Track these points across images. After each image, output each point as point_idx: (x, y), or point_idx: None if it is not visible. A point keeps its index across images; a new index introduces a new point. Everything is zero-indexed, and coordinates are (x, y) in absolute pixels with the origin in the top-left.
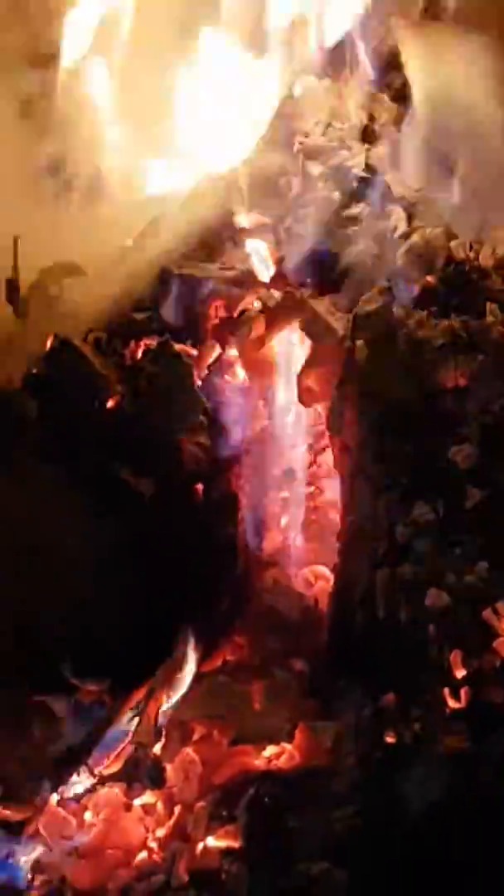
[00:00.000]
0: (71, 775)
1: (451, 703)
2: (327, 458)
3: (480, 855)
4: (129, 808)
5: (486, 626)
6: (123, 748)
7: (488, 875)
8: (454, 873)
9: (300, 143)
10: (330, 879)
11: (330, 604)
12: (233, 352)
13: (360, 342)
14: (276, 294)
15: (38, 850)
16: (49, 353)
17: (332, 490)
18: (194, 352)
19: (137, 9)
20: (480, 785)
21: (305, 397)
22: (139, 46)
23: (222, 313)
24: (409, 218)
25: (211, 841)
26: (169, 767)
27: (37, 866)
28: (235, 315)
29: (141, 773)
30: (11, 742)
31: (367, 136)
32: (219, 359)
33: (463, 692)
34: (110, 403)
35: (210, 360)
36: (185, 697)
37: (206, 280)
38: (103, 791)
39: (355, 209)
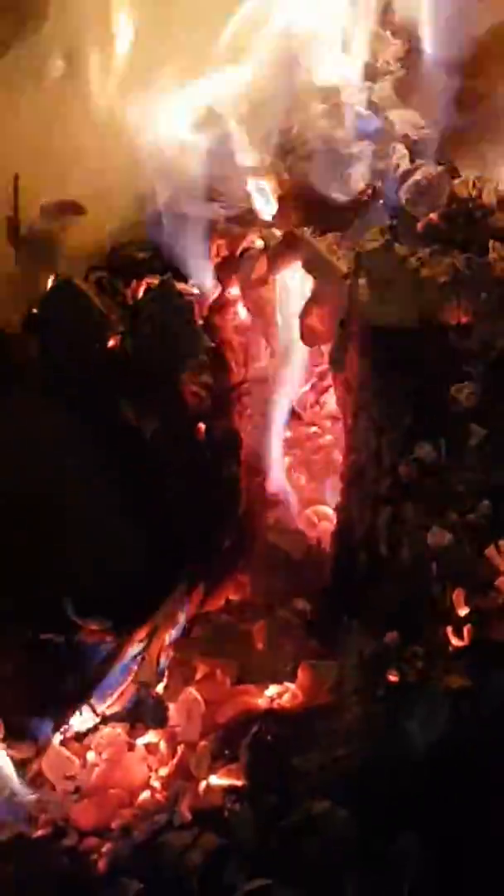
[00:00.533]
0: (73, 715)
1: (454, 642)
2: (330, 397)
3: (483, 792)
4: (131, 747)
5: (489, 565)
6: (126, 688)
7: (491, 812)
8: (457, 811)
9: (302, 81)
10: (332, 817)
11: (332, 543)
12: (234, 291)
13: (362, 280)
14: (278, 233)
15: (40, 790)
16: (49, 293)
17: (335, 430)
18: (196, 291)
19: None
20: (483, 722)
21: (308, 336)
22: None
23: (224, 252)
24: (412, 155)
25: (214, 780)
26: (172, 707)
27: (39, 806)
28: (237, 254)
29: (143, 712)
30: (13, 681)
31: (370, 73)
32: (221, 298)
33: (466, 630)
34: (111, 342)
35: (212, 300)
36: (187, 637)
37: (207, 218)
38: (106, 731)
39: (357, 147)
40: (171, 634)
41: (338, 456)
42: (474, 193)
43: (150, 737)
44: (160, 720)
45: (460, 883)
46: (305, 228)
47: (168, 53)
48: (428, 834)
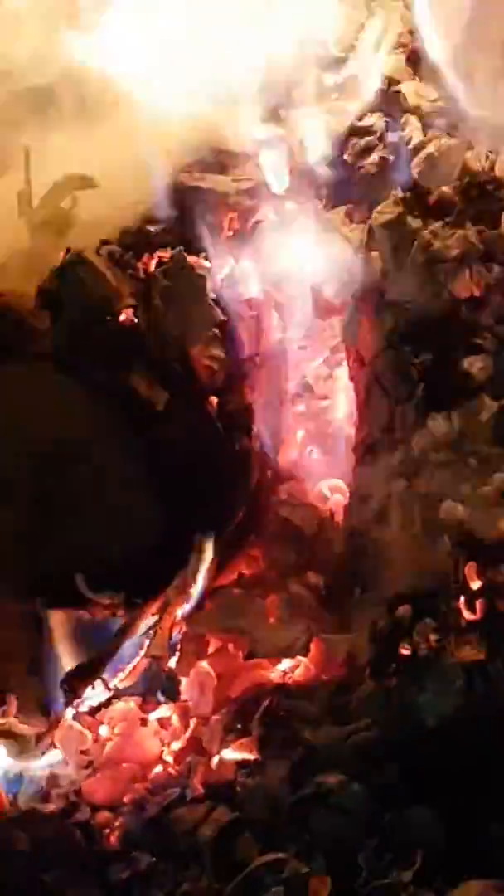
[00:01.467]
0: (86, 689)
1: (467, 615)
2: (343, 370)
3: (495, 764)
4: (144, 721)
5: (502, 538)
6: (138, 662)
7: (502, 786)
8: (469, 784)
9: (314, 54)
10: (345, 791)
11: (345, 517)
12: (247, 264)
13: (375, 253)
14: (291, 205)
15: (53, 764)
16: (62, 267)
17: (348, 403)
18: (208, 264)
19: None
20: (495, 696)
21: (320, 309)
22: None
23: (236, 225)
24: (425, 128)
25: (226, 754)
26: (184, 681)
27: (52, 780)
28: (249, 227)
29: (156, 686)
30: (26, 656)
31: (383, 45)
32: (233, 271)
33: (478, 603)
34: (123, 316)
35: (224, 273)
36: (200, 611)
37: (219, 192)
38: (118, 705)
39: (370, 119)
40: (183, 608)
41: (350, 429)
42: (487, 166)
43: (163, 711)
44: (173, 694)
45: (472, 855)
46: (318, 201)
47: (183, 27)
48: (440, 806)
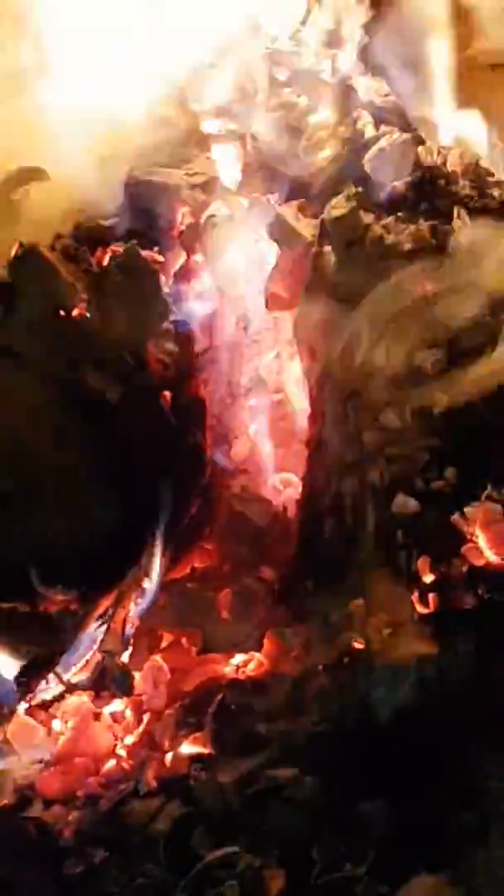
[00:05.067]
0: (39, 683)
1: (419, 608)
2: (295, 365)
3: (447, 758)
4: (97, 716)
5: (454, 532)
6: (92, 656)
7: (455, 777)
8: (422, 777)
9: (266, 48)
10: (298, 784)
11: (298, 511)
12: (199, 258)
13: (327, 247)
14: (243, 200)
15: (5, 759)
16: (15, 260)
17: (301, 397)
18: (161, 258)
19: None
20: (447, 689)
21: (273, 303)
22: None
23: (189, 219)
24: (377, 123)
25: (180, 748)
26: (137, 675)
27: (4, 774)
28: (202, 221)
29: (109, 680)
30: None
31: (335, 40)
32: (186, 265)
33: (431, 597)
34: (76, 310)
35: (177, 267)
36: (153, 605)
37: (172, 186)
38: (72, 699)
39: (322, 114)
40: (136, 603)
41: (303, 423)
42: (439, 161)
43: (116, 705)
44: (126, 688)
45: (426, 848)
46: (271, 195)
47: (132, 22)
48: (393, 799)
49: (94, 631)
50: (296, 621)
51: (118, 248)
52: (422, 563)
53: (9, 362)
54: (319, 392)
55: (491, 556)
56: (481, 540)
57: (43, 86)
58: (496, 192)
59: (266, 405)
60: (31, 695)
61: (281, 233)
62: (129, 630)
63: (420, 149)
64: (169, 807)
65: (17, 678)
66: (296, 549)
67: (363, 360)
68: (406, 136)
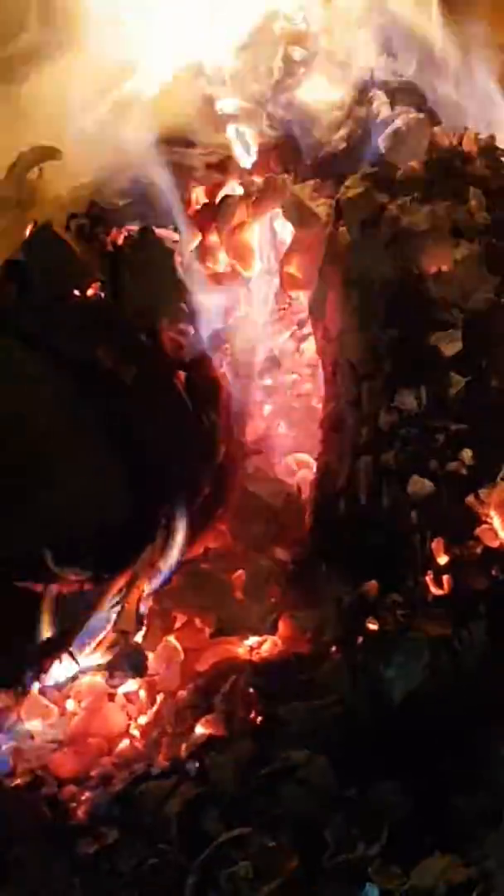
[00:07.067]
0: (53, 664)
1: (433, 590)
2: (310, 345)
3: (461, 740)
4: (111, 696)
5: (469, 513)
6: (105, 636)
7: (468, 758)
8: (435, 759)
9: (282, 28)
10: (312, 766)
11: (312, 491)
12: (214, 238)
13: (342, 228)
14: (258, 179)
15: (19, 739)
16: (29, 240)
17: (315, 378)
18: (176, 238)
19: None
20: (461, 670)
21: (288, 283)
22: None
23: (203, 199)
24: (393, 103)
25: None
26: (151, 656)
27: (18, 754)
28: (217, 201)
29: (123, 661)
30: None
31: (351, 20)
32: (201, 245)
33: (445, 579)
34: (91, 290)
35: (192, 247)
36: (167, 585)
37: (187, 165)
38: (85, 679)
39: (337, 94)
40: (151, 583)
41: (318, 404)
42: (455, 141)
43: (130, 685)
44: (139, 669)
45: (439, 829)
46: (286, 175)
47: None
48: (406, 781)
49: (108, 611)
50: (309, 602)
51: (133, 227)
52: (436, 544)
53: (22, 342)
54: (334, 373)
55: None
56: (496, 521)
57: (62, 64)
58: None
59: (281, 385)
60: (44, 675)
61: (296, 213)
62: (144, 610)
63: (436, 129)
64: (182, 787)
65: (30, 658)
66: (310, 530)
67: (378, 341)
68: (421, 116)
